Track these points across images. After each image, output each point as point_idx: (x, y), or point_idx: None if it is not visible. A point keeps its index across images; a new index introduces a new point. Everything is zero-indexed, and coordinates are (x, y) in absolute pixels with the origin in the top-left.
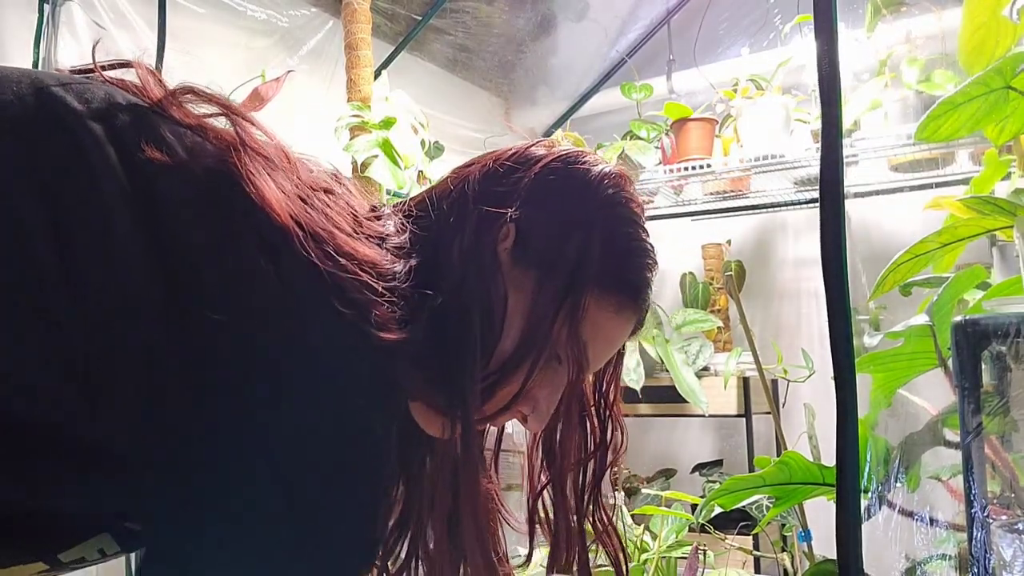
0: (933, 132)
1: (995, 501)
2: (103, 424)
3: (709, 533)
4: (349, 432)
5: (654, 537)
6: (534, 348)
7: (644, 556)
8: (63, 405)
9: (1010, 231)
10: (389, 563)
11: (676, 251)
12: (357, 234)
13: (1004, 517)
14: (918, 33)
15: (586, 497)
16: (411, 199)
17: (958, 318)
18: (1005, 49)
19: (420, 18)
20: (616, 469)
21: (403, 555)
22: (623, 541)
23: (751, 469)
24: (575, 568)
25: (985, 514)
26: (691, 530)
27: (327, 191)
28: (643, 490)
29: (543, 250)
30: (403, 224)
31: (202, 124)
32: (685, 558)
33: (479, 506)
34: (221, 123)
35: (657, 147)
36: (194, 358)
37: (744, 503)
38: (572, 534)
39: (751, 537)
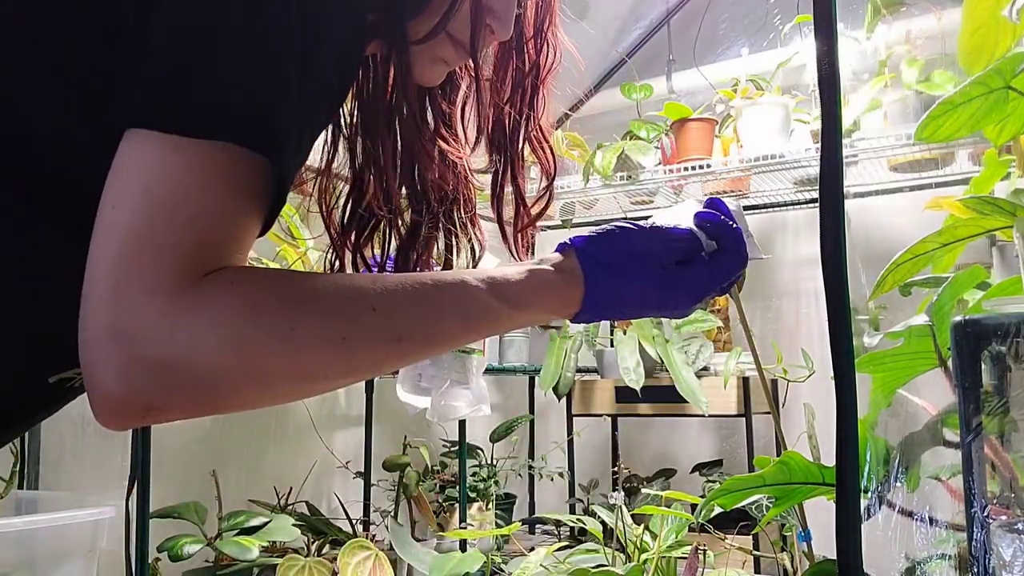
0: (933, 132)
1: (995, 501)
2: None
3: (709, 533)
4: None
5: (654, 537)
6: None
7: (644, 556)
8: None
9: (1010, 231)
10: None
11: None
12: None
13: (1004, 517)
14: (918, 33)
15: (525, 111)
16: None
17: (958, 318)
18: (1005, 49)
19: None
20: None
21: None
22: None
23: (751, 469)
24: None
25: (985, 514)
26: (691, 530)
27: None
28: (643, 490)
29: None
30: None
31: None
32: (685, 558)
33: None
34: None
35: (657, 147)
36: None
37: (744, 503)
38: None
39: (751, 537)
